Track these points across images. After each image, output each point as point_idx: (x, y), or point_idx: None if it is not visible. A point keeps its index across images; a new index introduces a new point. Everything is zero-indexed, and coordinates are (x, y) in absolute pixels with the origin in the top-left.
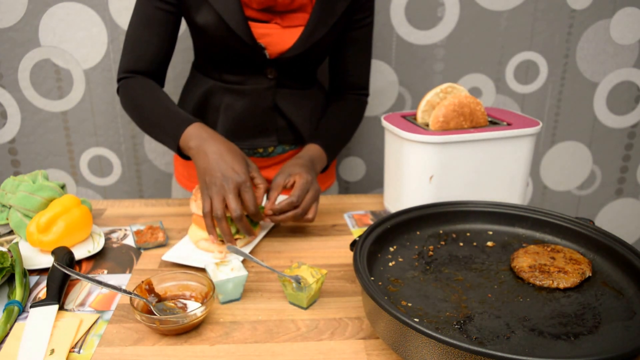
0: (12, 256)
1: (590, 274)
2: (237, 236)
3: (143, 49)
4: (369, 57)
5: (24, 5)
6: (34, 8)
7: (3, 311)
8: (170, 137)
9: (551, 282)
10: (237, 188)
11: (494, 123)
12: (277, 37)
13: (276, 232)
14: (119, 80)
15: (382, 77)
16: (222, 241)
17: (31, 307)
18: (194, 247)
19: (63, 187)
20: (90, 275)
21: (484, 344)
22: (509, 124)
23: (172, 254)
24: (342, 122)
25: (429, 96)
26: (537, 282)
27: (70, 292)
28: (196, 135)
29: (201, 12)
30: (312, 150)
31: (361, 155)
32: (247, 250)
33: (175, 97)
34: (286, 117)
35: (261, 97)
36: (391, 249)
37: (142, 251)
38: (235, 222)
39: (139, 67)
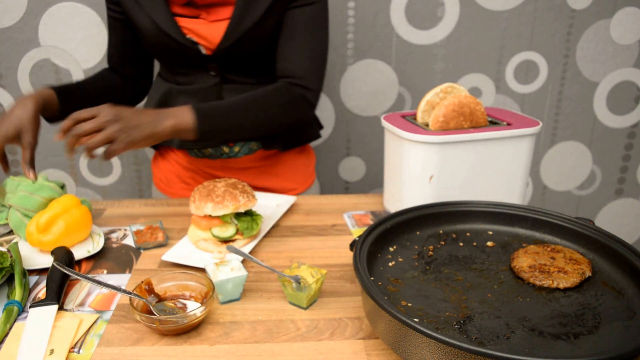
0: (11, 256)
1: (590, 274)
2: (236, 236)
3: (110, 49)
4: (308, 41)
5: (23, 5)
6: (33, 8)
7: (3, 311)
8: None
9: (551, 282)
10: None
11: (494, 123)
12: (206, 32)
13: (276, 232)
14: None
15: (382, 77)
16: (221, 242)
17: (31, 307)
18: (194, 247)
19: (63, 187)
20: (89, 275)
21: (484, 344)
22: (509, 124)
23: (171, 254)
24: (241, 100)
25: (429, 96)
26: (537, 282)
27: (70, 292)
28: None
29: (137, 15)
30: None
31: (361, 155)
32: (247, 250)
33: None
34: None
35: (208, 95)
36: (391, 249)
37: (141, 251)
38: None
39: (110, 64)
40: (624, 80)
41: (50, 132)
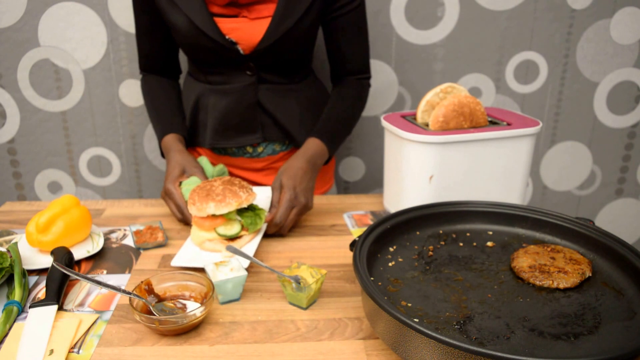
0: (11, 256)
1: (590, 274)
2: (242, 232)
3: (145, 56)
4: (364, 41)
5: (23, 5)
6: (33, 8)
7: (2, 311)
8: (159, 142)
9: (551, 282)
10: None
11: (494, 123)
12: (247, 31)
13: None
14: (140, 72)
15: (382, 77)
16: (227, 240)
17: (30, 307)
18: (198, 249)
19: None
20: (89, 276)
21: (483, 344)
22: (509, 124)
23: (180, 259)
24: (343, 110)
25: (429, 96)
26: (537, 282)
27: (70, 292)
28: (163, 147)
29: (172, 14)
30: (312, 145)
31: (361, 155)
32: (253, 246)
33: None
34: (269, 113)
35: (244, 95)
36: (391, 249)
37: (141, 251)
38: (179, 221)
39: (147, 69)
40: (624, 80)
41: (49, 132)
